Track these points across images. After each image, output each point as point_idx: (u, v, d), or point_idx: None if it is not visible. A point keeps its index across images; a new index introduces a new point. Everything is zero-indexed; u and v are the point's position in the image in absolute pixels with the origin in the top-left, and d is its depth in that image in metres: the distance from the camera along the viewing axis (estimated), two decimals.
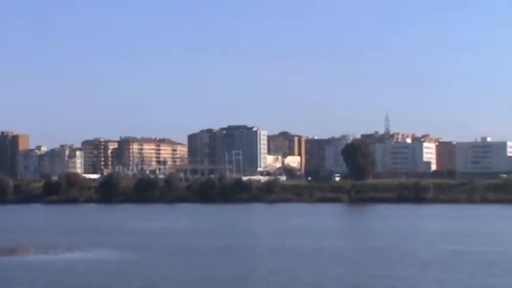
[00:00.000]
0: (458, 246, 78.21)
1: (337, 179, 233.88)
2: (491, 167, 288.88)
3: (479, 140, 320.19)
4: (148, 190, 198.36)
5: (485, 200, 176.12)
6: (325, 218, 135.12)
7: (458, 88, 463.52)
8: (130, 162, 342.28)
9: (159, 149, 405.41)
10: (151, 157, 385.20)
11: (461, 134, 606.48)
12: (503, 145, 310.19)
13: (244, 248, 78.88)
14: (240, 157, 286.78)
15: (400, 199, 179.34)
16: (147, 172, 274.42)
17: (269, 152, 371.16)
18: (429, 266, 62.27)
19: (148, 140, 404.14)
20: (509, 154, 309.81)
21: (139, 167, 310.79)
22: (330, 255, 71.24)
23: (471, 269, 60.11)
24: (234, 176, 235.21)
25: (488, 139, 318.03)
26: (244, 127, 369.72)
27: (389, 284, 53.10)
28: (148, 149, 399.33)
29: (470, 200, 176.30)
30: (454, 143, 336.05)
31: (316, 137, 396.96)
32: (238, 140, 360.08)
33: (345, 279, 55.33)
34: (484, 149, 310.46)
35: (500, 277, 55.77)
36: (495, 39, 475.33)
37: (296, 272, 59.08)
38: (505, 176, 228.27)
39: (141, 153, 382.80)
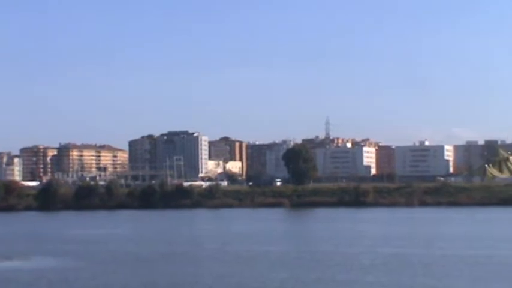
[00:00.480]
0: (399, 249, 79.37)
1: (278, 183, 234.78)
2: (430, 170, 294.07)
3: (417, 144, 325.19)
4: (88, 197, 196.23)
5: (423, 203, 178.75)
6: (267, 222, 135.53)
7: (396, 93, 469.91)
8: (70, 169, 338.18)
9: (99, 156, 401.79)
10: (91, 164, 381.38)
11: (400, 138, 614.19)
12: (440, 149, 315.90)
13: (188, 254, 78.73)
14: (181, 163, 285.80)
15: (341, 203, 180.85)
16: (87, 179, 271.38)
17: (210, 158, 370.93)
18: (370, 269, 63.04)
19: (88, 147, 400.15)
20: (446, 158, 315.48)
21: (79, 173, 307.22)
22: (273, 260, 71.54)
23: (412, 271, 61.00)
24: (175, 181, 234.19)
25: (427, 143, 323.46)
26: (185, 133, 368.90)
27: None
28: (88, 156, 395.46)
29: (409, 204, 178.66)
30: (393, 147, 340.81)
31: (257, 142, 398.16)
32: (179, 145, 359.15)
33: (288, 284, 55.69)
34: (422, 153, 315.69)
35: (441, 279, 56.77)
36: (433, 45, 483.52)
37: (240, 277, 59.24)
38: (442, 179, 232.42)
39: (80, 160, 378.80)
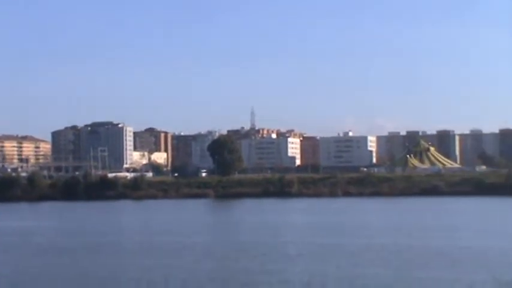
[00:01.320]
0: (325, 239, 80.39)
1: (204, 174, 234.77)
2: (353, 161, 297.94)
3: (341, 135, 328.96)
4: (10, 188, 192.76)
5: (347, 193, 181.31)
6: (193, 213, 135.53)
7: (321, 84, 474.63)
8: None
9: (21, 147, 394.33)
10: (12, 155, 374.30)
11: (324, 129, 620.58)
12: (364, 139, 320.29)
13: (114, 246, 78.09)
14: (106, 154, 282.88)
15: (266, 194, 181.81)
16: (9, 170, 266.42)
17: (135, 149, 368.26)
18: (298, 259, 63.74)
19: (9, 137, 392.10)
20: (369, 148, 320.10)
21: (0, 165, 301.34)
22: (200, 251, 71.61)
23: (338, 260, 61.89)
24: (100, 173, 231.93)
25: (350, 134, 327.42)
26: (110, 123, 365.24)
27: (259, 278, 53.98)
28: (10, 147, 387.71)
29: (333, 194, 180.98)
30: (318, 138, 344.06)
31: (182, 133, 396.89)
32: (103, 136, 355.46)
33: (216, 274, 55.90)
34: (346, 144, 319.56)
35: (366, 267, 57.79)
36: (355, 36, 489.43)
37: (168, 268, 59.10)
38: (365, 169, 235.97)
39: (2, 151, 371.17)
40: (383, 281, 51.53)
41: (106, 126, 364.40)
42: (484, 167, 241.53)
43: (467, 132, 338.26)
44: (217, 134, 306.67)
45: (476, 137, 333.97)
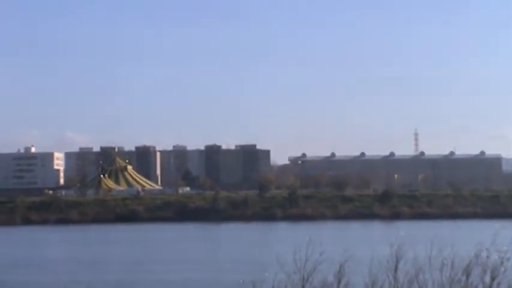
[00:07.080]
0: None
1: None
2: (37, 181, 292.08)
3: (22, 151, 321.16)
4: None
5: (28, 221, 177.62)
6: None
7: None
8: None
9: None
10: None
11: (2, 143, 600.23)
12: (49, 156, 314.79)
13: None
14: None
15: None
16: None
17: None
18: None
19: None
20: (56, 167, 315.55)
21: None
22: None
23: None
24: None
25: (33, 150, 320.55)
26: None
27: None
28: None
29: (11, 222, 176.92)
30: None
31: None
32: None
33: None
34: (28, 162, 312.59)
35: None
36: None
37: None
38: (51, 192, 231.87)
39: None
40: None
41: None
42: (188, 189, 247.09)
43: (170, 148, 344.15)
44: None
45: (180, 154, 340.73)
